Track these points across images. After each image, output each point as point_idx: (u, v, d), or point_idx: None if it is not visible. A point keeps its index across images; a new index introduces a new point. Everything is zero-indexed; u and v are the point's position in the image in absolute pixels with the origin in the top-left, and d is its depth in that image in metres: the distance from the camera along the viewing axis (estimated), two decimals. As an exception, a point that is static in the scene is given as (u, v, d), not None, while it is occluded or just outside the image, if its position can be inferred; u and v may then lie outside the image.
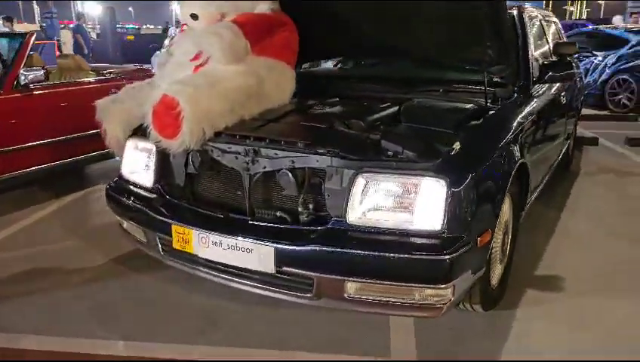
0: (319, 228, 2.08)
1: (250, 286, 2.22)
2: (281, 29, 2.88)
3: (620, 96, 8.48)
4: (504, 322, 2.46)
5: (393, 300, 2.01)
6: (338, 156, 2.09)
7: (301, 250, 2.02)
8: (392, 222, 2.00)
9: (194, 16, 2.77)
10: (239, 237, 2.13)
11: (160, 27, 30.19)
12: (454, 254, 1.90)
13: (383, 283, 1.98)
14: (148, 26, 39.34)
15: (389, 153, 2.10)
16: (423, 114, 2.60)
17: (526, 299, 2.65)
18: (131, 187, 2.65)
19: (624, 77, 8.39)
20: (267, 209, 2.28)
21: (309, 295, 2.08)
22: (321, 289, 2.06)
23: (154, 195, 2.52)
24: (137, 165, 2.67)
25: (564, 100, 3.81)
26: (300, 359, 2.21)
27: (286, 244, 2.05)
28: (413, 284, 1.95)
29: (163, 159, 2.53)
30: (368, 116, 2.62)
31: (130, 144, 2.71)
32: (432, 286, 1.94)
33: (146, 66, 6.18)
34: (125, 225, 2.70)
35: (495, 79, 2.99)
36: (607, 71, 8.55)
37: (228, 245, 2.15)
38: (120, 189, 2.69)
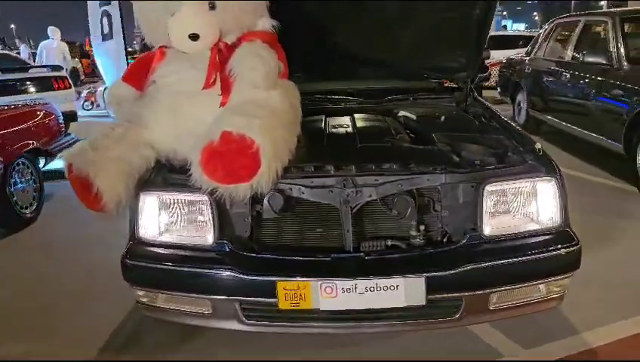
0: (458, 245, 2.04)
1: (388, 326, 2.04)
2: (276, 46, 2.63)
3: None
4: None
5: (528, 299, 2.11)
6: (451, 172, 2.07)
7: (453, 273, 1.96)
8: (522, 226, 2.09)
9: (194, 37, 2.32)
10: (378, 277, 1.93)
11: None
12: (579, 242, 2.09)
13: (526, 285, 2.06)
14: None
15: (476, 162, 2.18)
16: (442, 123, 2.74)
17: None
18: (173, 250, 2.11)
19: None
20: (371, 240, 2.12)
21: (456, 316, 2.03)
22: (467, 308, 2.03)
23: (220, 254, 2.07)
24: (173, 223, 2.15)
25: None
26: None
27: (437, 271, 1.95)
28: (551, 278, 2.07)
29: (220, 209, 2.09)
30: (396, 129, 2.65)
31: (151, 199, 2.16)
32: (566, 275, 2.10)
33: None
34: (161, 300, 2.15)
35: (452, 85, 3.29)
36: None
37: (365, 287, 1.93)
38: (151, 256, 2.12)
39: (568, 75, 5.67)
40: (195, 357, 2.29)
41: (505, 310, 2.09)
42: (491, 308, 2.05)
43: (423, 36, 2.97)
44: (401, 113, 2.93)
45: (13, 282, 3.22)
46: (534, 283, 2.06)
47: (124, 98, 2.54)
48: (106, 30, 6.33)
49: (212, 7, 2.35)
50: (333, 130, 2.62)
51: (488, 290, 2.01)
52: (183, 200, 2.13)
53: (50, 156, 4.66)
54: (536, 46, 6.92)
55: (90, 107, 11.04)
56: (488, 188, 2.05)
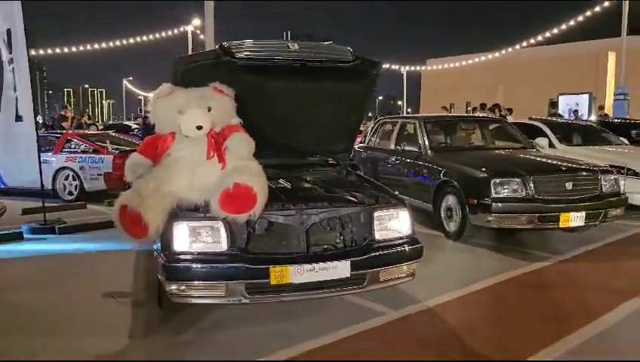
0: (364, 245, 3.71)
1: (330, 292, 3.59)
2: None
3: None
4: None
5: (400, 275, 3.84)
6: (358, 206, 3.80)
7: (363, 258, 3.62)
8: (393, 234, 3.86)
9: (199, 127, 3.77)
10: (326, 262, 3.51)
11: None
12: (422, 243, 3.92)
13: (401, 265, 3.80)
14: None
15: (365, 201, 3.94)
16: (337, 183, 4.48)
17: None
18: (200, 256, 3.44)
19: None
20: (315, 245, 3.69)
21: (364, 284, 3.67)
22: (369, 280, 3.68)
23: (232, 255, 3.46)
24: (198, 239, 3.48)
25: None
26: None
27: (356, 257, 3.60)
28: (410, 261, 3.85)
29: (230, 229, 3.50)
30: (314, 186, 4.33)
31: (182, 226, 3.48)
32: (417, 260, 3.89)
33: None
34: (189, 288, 3.42)
35: (332, 161, 5.10)
36: None
37: (319, 268, 3.49)
38: (186, 260, 3.42)
39: (393, 159, 7.97)
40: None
41: (388, 281, 3.80)
42: (381, 280, 3.75)
43: (321, 131, 4.74)
44: (309, 178, 4.63)
45: None
46: (403, 264, 3.82)
47: (138, 164, 3.84)
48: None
49: (209, 110, 3.84)
50: (278, 186, 4.18)
51: (379, 268, 3.70)
52: (205, 225, 3.49)
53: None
54: (367, 137, 9.30)
55: None
56: (376, 214, 3.81)
